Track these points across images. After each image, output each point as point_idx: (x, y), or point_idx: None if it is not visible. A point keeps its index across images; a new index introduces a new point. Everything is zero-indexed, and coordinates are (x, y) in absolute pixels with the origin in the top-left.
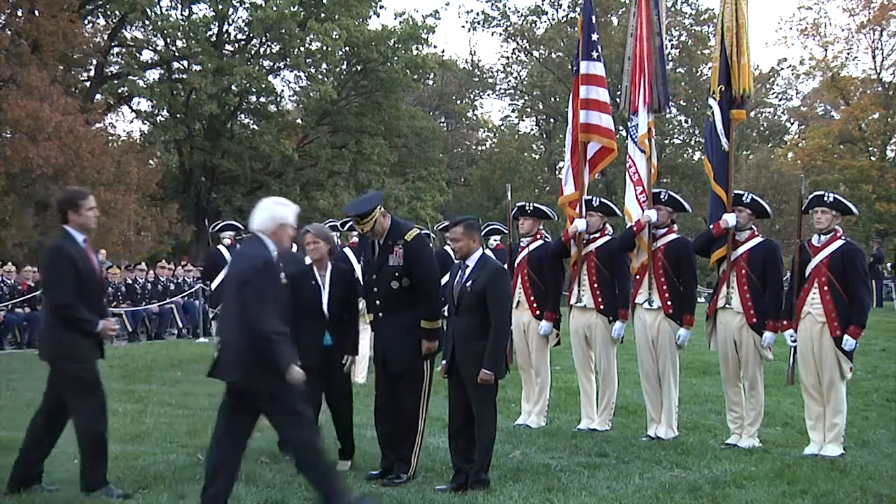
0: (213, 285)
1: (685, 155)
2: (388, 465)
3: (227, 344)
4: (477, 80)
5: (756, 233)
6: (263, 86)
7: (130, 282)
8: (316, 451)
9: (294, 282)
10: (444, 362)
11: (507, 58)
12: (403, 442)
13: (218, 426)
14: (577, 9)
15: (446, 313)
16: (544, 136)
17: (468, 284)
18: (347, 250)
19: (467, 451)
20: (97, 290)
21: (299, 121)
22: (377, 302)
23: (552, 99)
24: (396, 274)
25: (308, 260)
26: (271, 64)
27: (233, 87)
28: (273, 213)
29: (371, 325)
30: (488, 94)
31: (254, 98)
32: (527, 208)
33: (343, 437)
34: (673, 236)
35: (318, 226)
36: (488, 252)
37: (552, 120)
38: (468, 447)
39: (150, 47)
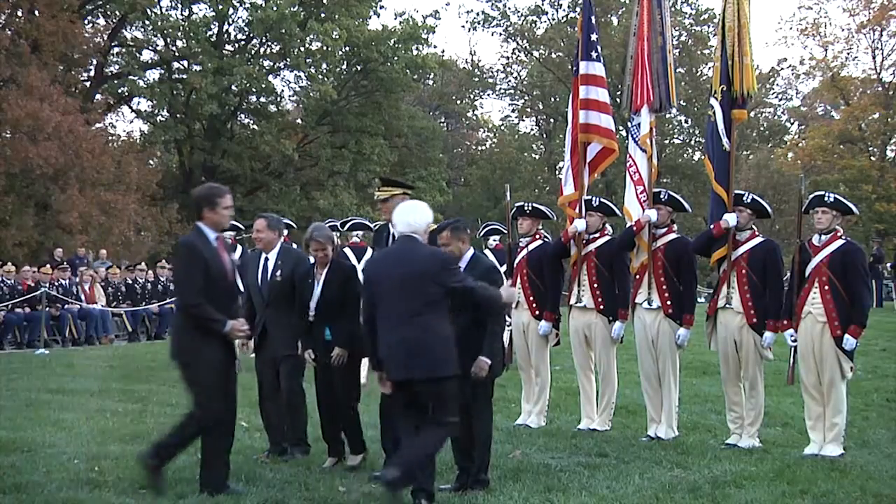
0: None
1: (685, 155)
2: None
3: (432, 342)
4: (477, 80)
5: (756, 233)
6: (263, 86)
7: (130, 282)
8: (432, 456)
9: (299, 280)
10: None
11: (507, 58)
12: None
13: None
14: (577, 9)
15: None
16: (544, 136)
17: None
18: (347, 250)
19: (467, 450)
20: (228, 290)
21: (299, 121)
22: None
23: (552, 99)
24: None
25: (312, 259)
26: (271, 64)
27: (233, 87)
28: (427, 218)
29: None
30: (488, 94)
31: (254, 98)
32: (526, 208)
33: (347, 431)
34: (673, 236)
35: (323, 231)
36: (487, 252)
37: (552, 120)
38: (468, 446)
39: (150, 47)
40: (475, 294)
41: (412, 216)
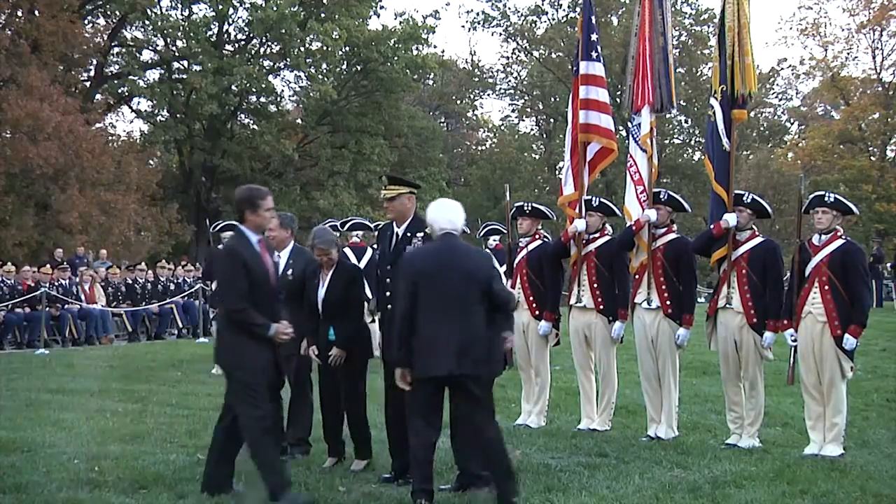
0: (214, 285)
1: (685, 155)
2: (400, 465)
3: (479, 339)
4: (477, 80)
5: (756, 233)
6: (263, 86)
7: (130, 282)
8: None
9: (307, 280)
10: None
11: (507, 58)
12: None
13: (426, 422)
14: (577, 9)
15: None
16: (544, 136)
17: None
18: (347, 250)
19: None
20: (270, 293)
21: (299, 121)
22: (388, 294)
23: (552, 99)
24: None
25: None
26: (271, 64)
27: (233, 87)
28: (463, 215)
29: (379, 323)
30: (488, 94)
31: (254, 98)
32: (525, 208)
33: (355, 435)
34: (672, 236)
35: (324, 237)
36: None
37: (552, 120)
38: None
39: (150, 47)
40: (510, 302)
41: (454, 213)
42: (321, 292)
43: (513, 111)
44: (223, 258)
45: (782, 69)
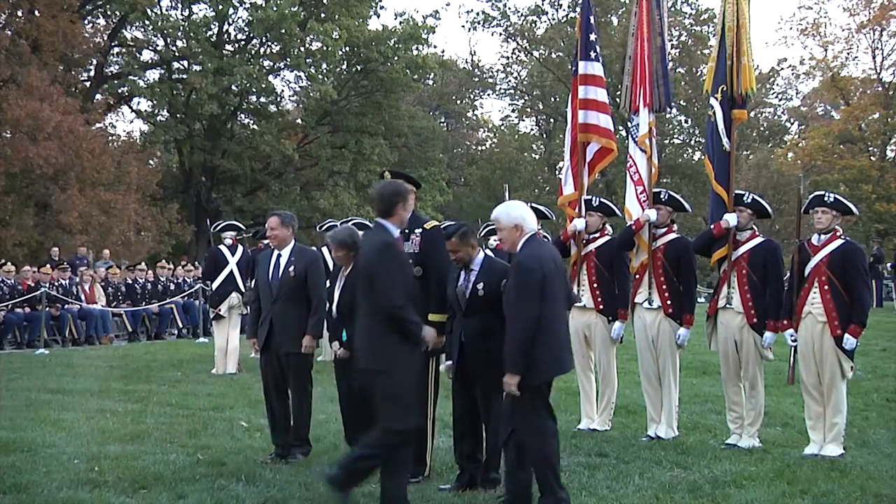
0: (214, 285)
1: (685, 155)
2: None
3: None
4: (477, 80)
5: (757, 233)
6: (263, 86)
7: (130, 282)
8: None
9: (308, 278)
10: (448, 363)
11: (507, 58)
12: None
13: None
14: (577, 9)
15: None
16: (544, 136)
17: (479, 286)
18: None
19: (473, 453)
20: (413, 291)
21: (299, 121)
22: None
23: (552, 99)
24: (411, 261)
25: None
26: (271, 64)
27: (233, 87)
28: None
29: None
30: (488, 94)
31: (254, 98)
32: None
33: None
34: (673, 236)
35: (336, 236)
36: (488, 252)
37: (552, 120)
38: (474, 449)
39: (150, 47)
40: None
41: (533, 215)
42: (336, 293)
43: (513, 111)
44: (382, 253)
45: (782, 69)
